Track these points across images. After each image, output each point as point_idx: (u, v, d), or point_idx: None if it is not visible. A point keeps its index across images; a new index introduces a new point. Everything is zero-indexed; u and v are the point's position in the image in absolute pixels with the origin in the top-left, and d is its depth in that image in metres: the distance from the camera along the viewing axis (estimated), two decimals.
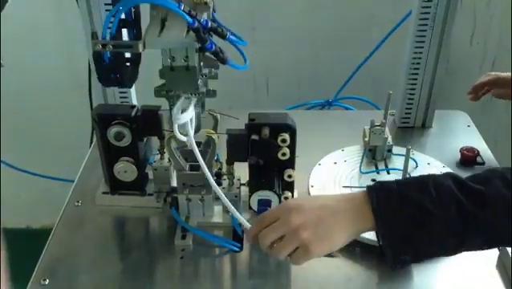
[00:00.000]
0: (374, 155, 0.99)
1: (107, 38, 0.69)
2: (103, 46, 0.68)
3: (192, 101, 0.75)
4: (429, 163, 0.98)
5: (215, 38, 0.72)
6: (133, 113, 0.84)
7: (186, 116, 0.73)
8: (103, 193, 0.92)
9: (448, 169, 0.96)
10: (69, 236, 0.86)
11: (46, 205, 1.74)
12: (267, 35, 1.43)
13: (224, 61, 0.72)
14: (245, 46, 0.75)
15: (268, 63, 1.47)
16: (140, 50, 0.69)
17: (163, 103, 0.88)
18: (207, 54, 0.73)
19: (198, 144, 0.91)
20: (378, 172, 0.95)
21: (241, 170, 0.86)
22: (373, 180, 0.93)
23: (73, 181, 1.00)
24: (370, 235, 0.80)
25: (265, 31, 1.42)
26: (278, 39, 1.44)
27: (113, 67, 0.73)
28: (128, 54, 0.76)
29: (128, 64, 0.76)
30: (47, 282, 0.77)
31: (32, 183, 1.57)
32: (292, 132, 0.80)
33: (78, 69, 1.42)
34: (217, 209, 0.89)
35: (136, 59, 0.78)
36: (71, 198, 0.94)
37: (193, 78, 0.74)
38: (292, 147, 0.81)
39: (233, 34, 0.73)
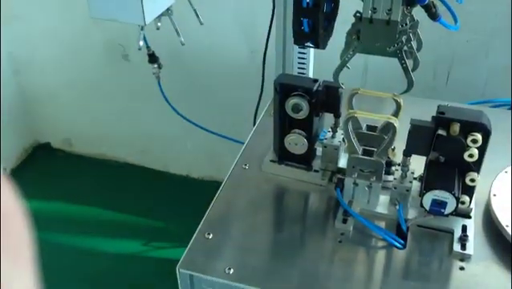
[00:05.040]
0: None
1: None
2: None
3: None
4: None
5: None
6: (315, 87, 0.82)
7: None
8: (271, 161, 0.92)
9: None
10: (233, 197, 0.89)
11: (206, 159, 1.85)
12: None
13: (435, 17, 0.66)
14: (460, 4, 0.67)
15: (454, 51, 1.35)
16: None
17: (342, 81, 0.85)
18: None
19: (373, 128, 0.87)
20: None
21: (412, 163, 0.80)
22: None
23: (236, 141, 1.02)
24: None
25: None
26: (468, 25, 1.30)
27: (310, 34, 0.71)
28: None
29: (322, 31, 0.74)
30: (211, 236, 0.80)
31: (199, 136, 1.66)
32: (486, 133, 0.72)
33: (256, 33, 1.45)
34: (383, 199, 0.84)
35: (333, 14, 0.76)
36: (240, 160, 0.96)
37: (392, 33, 0.70)
38: (482, 149, 0.73)
39: None
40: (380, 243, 0.80)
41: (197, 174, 1.91)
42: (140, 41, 0.89)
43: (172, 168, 1.93)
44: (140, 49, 0.90)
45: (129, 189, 1.84)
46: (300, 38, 0.75)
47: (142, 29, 0.88)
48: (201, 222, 0.82)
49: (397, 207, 0.81)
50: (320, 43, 0.74)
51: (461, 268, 0.75)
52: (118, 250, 1.63)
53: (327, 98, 0.85)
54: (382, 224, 0.83)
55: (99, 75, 1.79)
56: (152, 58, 1.48)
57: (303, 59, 1.09)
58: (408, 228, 0.80)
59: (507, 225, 0.76)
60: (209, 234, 0.80)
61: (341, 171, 0.88)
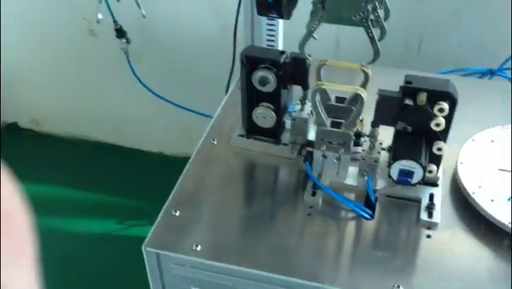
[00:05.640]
0: None
1: None
2: None
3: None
4: None
5: None
6: (282, 59, 0.80)
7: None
8: (239, 135, 0.91)
9: None
10: (201, 172, 0.88)
11: (179, 135, 1.83)
12: None
13: None
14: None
15: (424, 21, 1.34)
16: None
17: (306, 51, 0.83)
18: None
19: (343, 99, 0.86)
20: None
21: (381, 133, 0.80)
22: None
23: (207, 116, 1.01)
24: None
25: None
26: None
27: (274, 4, 0.70)
28: None
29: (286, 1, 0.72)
30: (178, 213, 0.79)
31: (170, 112, 1.63)
32: (453, 101, 0.72)
33: (225, 6, 1.42)
34: (352, 170, 0.84)
35: None
36: (208, 135, 0.95)
37: (357, 2, 0.70)
38: (449, 118, 0.73)
39: None
40: (349, 215, 0.80)
41: (170, 151, 1.89)
42: (99, 14, 0.86)
43: (144, 145, 1.90)
44: (98, 22, 0.86)
45: (101, 168, 1.82)
46: (263, 9, 0.73)
47: (100, 1, 0.84)
48: (168, 200, 0.81)
49: (366, 178, 0.81)
50: (284, 13, 0.72)
51: (428, 236, 0.75)
52: (91, 230, 1.61)
53: (294, 70, 0.83)
54: (351, 196, 0.83)
55: (65, 52, 1.74)
56: (120, 32, 1.44)
57: (272, 31, 1.06)
58: (376, 198, 0.80)
59: (473, 192, 0.77)
60: (175, 211, 0.78)
61: (310, 144, 0.87)
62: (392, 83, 0.77)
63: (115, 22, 1.39)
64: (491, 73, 1.13)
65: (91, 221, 1.65)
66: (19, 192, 0.25)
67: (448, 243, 0.74)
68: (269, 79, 0.81)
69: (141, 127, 1.86)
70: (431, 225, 0.76)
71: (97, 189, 1.74)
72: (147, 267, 0.75)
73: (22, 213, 0.25)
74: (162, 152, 1.90)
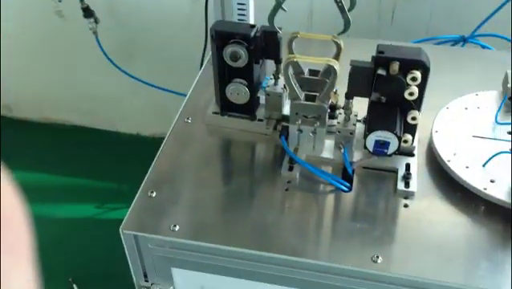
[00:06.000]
0: None
1: None
2: None
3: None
4: None
5: None
6: (252, 33, 0.78)
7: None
8: (213, 113, 0.90)
9: None
10: (177, 152, 0.86)
11: (156, 115, 1.80)
12: None
13: None
14: None
15: None
16: None
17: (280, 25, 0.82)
18: None
19: (316, 72, 0.85)
20: None
21: (356, 105, 0.79)
22: (510, 132, 0.82)
23: (183, 95, 0.99)
24: (500, 194, 0.72)
25: None
26: None
27: None
28: None
29: None
30: (154, 194, 0.78)
31: (146, 92, 1.60)
32: (425, 70, 0.71)
33: None
34: (328, 143, 0.83)
35: None
36: (182, 114, 0.93)
37: None
38: (422, 87, 0.72)
39: None
40: (327, 188, 0.79)
41: (147, 132, 1.87)
42: None
43: (121, 127, 1.87)
44: (60, 1, 0.83)
45: (78, 152, 1.79)
46: None
47: None
48: (144, 181, 0.79)
49: (342, 151, 0.81)
50: None
51: (405, 205, 0.75)
52: (70, 215, 1.59)
53: (266, 44, 0.82)
54: (329, 169, 0.82)
55: (34, 35, 1.69)
56: (87, 12, 1.40)
57: (243, 4, 1.04)
58: (353, 171, 0.80)
59: (449, 160, 0.77)
60: (152, 192, 0.77)
61: (286, 118, 0.86)
62: (366, 54, 0.76)
63: (81, 0, 1.35)
64: (464, 40, 1.13)
65: (70, 206, 1.63)
66: (17, 191, 0.26)
67: (425, 212, 0.75)
68: (240, 54, 0.79)
69: (117, 108, 1.83)
70: (408, 195, 0.76)
71: (75, 173, 1.72)
72: (125, 250, 0.74)
73: (21, 214, 0.26)
74: (139, 134, 1.88)
